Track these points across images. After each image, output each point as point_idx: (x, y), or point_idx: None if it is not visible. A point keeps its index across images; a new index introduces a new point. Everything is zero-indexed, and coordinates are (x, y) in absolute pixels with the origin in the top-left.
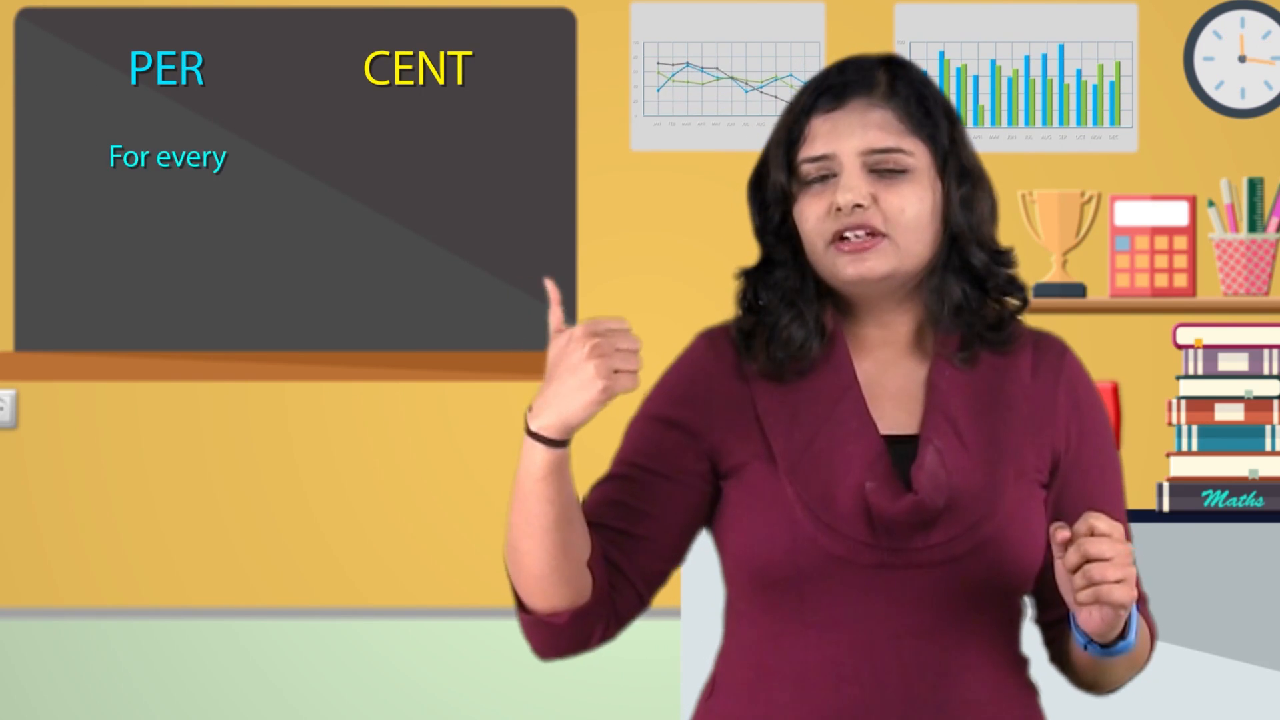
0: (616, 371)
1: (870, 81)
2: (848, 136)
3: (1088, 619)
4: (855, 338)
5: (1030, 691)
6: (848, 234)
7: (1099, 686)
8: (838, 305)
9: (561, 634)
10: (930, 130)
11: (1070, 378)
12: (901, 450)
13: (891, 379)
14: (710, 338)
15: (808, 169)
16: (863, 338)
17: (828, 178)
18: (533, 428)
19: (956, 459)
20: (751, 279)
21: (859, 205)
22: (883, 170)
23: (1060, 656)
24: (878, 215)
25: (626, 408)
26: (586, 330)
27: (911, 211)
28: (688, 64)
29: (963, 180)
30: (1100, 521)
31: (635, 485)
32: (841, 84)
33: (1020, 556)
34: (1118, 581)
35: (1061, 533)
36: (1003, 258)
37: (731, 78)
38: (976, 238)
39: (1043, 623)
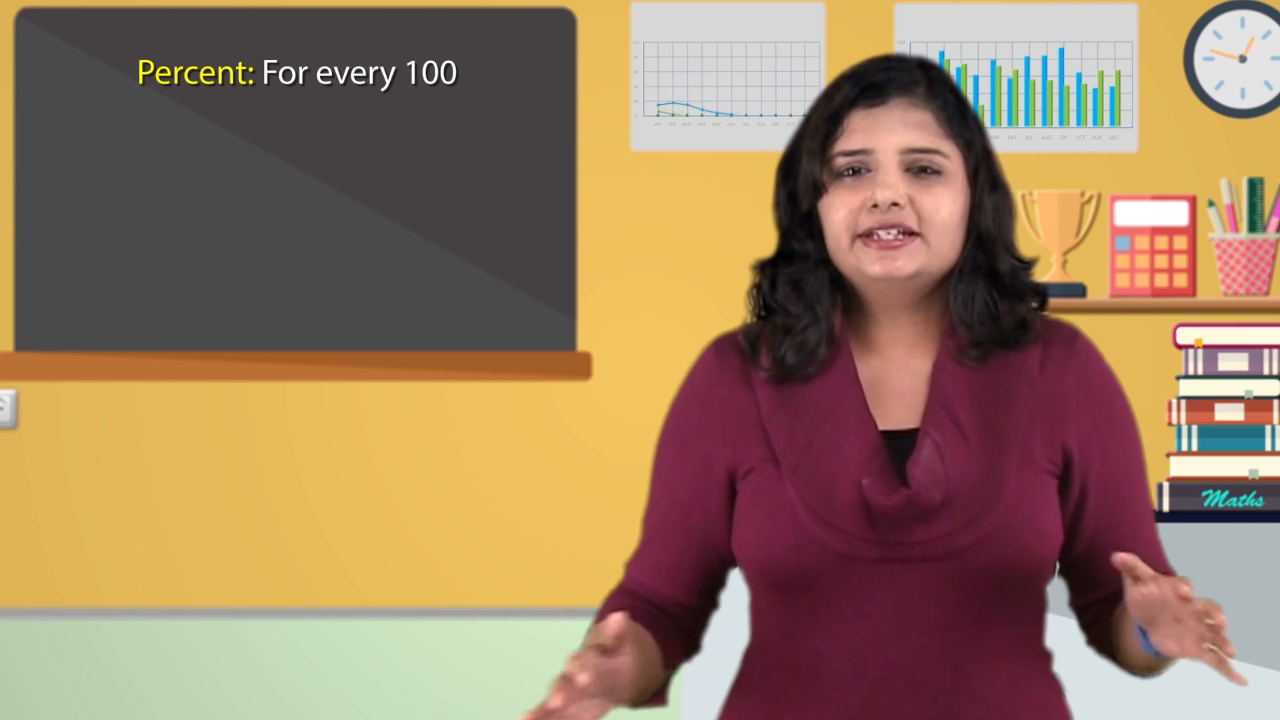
0: None
1: (911, 81)
2: (888, 133)
3: (1175, 649)
4: (864, 335)
5: (1051, 686)
6: (880, 232)
7: (1151, 671)
8: (848, 302)
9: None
10: (966, 136)
11: (1080, 365)
12: (901, 445)
13: (897, 376)
14: (717, 347)
15: (842, 162)
16: (872, 336)
17: (861, 172)
18: None
19: (955, 452)
20: (768, 271)
21: (896, 204)
22: (919, 170)
23: (1099, 639)
24: (912, 215)
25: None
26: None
27: (945, 213)
28: (688, 64)
29: (994, 188)
30: (1185, 585)
31: (673, 533)
32: (884, 80)
33: (1030, 547)
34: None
35: (1122, 558)
36: (1027, 264)
37: (731, 77)
38: (1004, 244)
39: (1077, 606)
